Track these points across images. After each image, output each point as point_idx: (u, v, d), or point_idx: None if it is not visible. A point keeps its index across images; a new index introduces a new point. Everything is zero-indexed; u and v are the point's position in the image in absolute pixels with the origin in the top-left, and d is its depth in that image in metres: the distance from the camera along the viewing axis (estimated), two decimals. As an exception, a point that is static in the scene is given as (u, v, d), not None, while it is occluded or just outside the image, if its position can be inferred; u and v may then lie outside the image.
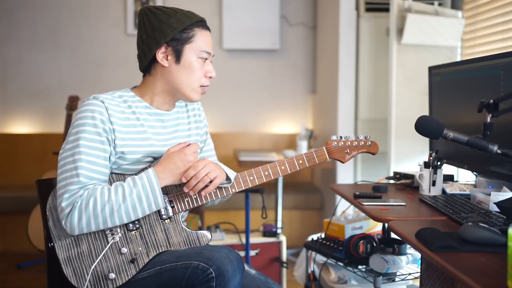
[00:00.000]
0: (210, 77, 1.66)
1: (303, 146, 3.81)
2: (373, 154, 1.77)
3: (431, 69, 2.28)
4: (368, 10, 3.49)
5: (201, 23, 1.65)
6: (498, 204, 1.45)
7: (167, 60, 1.62)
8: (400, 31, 2.98)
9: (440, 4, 3.15)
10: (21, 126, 4.47)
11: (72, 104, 3.72)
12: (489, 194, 1.63)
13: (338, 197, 2.36)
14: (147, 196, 1.50)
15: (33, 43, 4.45)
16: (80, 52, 4.49)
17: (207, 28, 1.68)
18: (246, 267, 1.66)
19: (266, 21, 4.45)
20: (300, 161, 1.68)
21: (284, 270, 2.82)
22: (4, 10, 4.42)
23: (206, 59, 1.65)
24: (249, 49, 4.54)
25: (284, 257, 2.81)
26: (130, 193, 1.49)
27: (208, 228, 2.83)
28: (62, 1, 4.46)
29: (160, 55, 1.61)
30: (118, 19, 4.47)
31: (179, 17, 1.61)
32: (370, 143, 1.75)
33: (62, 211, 1.49)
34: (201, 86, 1.66)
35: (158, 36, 1.60)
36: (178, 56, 1.61)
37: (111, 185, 1.52)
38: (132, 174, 1.59)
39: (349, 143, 1.73)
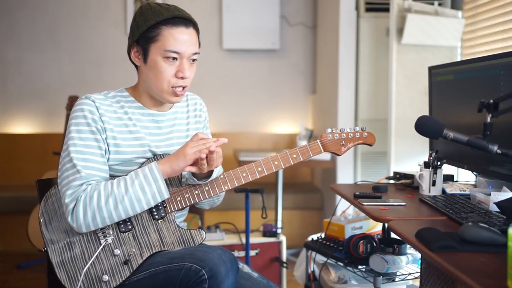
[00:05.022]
0: (182, 77, 1.56)
1: (303, 146, 3.80)
2: (370, 145, 1.73)
3: (431, 69, 2.28)
4: (368, 10, 3.50)
5: (174, 21, 1.54)
6: (498, 204, 1.44)
7: (138, 59, 1.61)
8: (400, 31, 2.97)
9: (440, 4, 3.15)
10: (21, 126, 4.47)
11: (72, 104, 3.72)
12: (489, 194, 1.63)
13: (338, 197, 2.36)
14: (150, 185, 1.49)
15: (33, 43, 4.44)
16: (80, 52, 4.49)
17: (184, 25, 1.56)
18: (249, 269, 1.65)
19: (266, 21, 4.44)
20: (294, 155, 1.63)
21: (284, 270, 2.82)
22: (4, 10, 4.42)
23: (175, 58, 1.56)
24: (249, 49, 4.54)
25: (284, 257, 2.81)
26: (132, 184, 1.49)
27: (208, 228, 2.82)
28: (62, 1, 4.46)
29: (133, 54, 1.61)
30: (118, 19, 4.47)
31: (148, 15, 1.55)
32: (366, 134, 1.71)
33: (67, 208, 1.49)
34: (173, 87, 1.57)
35: (130, 35, 1.61)
36: (145, 56, 1.58)
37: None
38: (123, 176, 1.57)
39: (345, 135, 1.69)
